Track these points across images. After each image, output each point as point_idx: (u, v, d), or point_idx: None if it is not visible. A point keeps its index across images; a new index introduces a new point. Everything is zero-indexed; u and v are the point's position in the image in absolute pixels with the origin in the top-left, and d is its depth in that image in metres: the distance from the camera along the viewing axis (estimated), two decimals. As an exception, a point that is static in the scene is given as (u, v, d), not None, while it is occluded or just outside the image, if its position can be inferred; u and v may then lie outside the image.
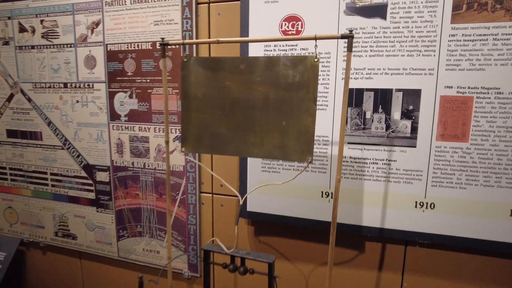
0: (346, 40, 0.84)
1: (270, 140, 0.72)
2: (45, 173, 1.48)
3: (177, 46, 1.18)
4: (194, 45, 1.15)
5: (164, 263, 1.32)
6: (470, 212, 0.97)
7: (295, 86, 0.68)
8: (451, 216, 0.98)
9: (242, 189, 1.12)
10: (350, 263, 1.12)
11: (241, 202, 0.75)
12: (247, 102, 0.72)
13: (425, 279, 1.07)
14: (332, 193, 1.05)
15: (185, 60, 0.76)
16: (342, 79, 1.00)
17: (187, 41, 0.81)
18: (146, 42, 1.22)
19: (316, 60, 0.67)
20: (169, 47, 1.19)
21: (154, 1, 1.19)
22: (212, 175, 1.21)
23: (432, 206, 0.99)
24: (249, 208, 1.14)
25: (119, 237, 1.38)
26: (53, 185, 1.48)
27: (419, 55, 0.94)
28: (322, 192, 1.06)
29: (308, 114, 0.68)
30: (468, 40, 0.90)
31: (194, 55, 1.14)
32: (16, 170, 1.53)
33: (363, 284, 1.12)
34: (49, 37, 1.37)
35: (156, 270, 1.37)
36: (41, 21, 1.36)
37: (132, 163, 1.30)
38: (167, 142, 0.83)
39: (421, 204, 1.00)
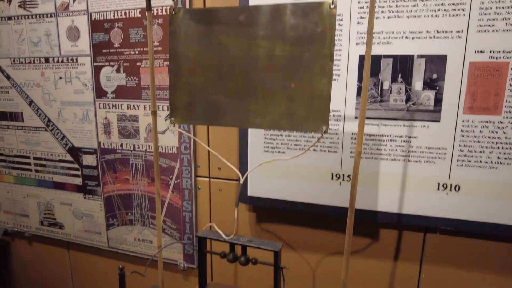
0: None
1: (276, 107, 0.60)
2: (28, 157, 1.36)
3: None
4: None
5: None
6: (500, 195, 0.85)
7: (307, 39, 0.56)
8: (478, 200, 0.87)
9: (243, 171, 1.01)
10: (363, 252, 1.01)
11: (241, 181, 0.63)
12: (248, 61, 0.59)
13: (445, 269, 0.96)
14: (343, 175, 0.94)
15: (173, 13, 0.63)
16: (357, 44, 0.88)
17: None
18: (134, 9, 1.09)
19: (332, 6, 0.55)
20: (159, 13, 1.06)
21: (142, -39, 1.05)
22: (209, 156, 1.09)
23: (456, 188, 0.88)
24: (250, 192, 1.02)
25: (109, 226, 1.27)
26: (36, 170, 1.36)
27: (446, 15, 0.82)
28: (332, 174, 0.95)
29: (322, 74, 0.56)
30: (504, -5, 0.77)
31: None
32: (-3, 154, 1.42)
33: (377, 275, 1.01)
34: (27, 6, 1.23)
35: (152, 262, 1.26)
36: (18, -12, 1.23)
37: (121, 145, 1.18)
38: (154, 113, 0.71)
39: (445, 186, 0.89)
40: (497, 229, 0.86)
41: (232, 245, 0.73)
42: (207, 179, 1.12)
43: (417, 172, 0.90)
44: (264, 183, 1.00)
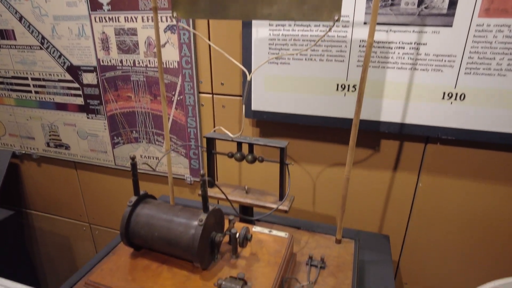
0: None
1: (285, -4, 0.56)
2: (26, 78, 1.33)
3: None
4: None
5: (164, 170, 1.26)
6: (505, 104, 0.85)
7: None
8: (482, 109, 0.87)
9: (246, 80, 0.99)
10: (364, 163, 1.05)
11: (248, 78, 0.62)
12: None
13: (442, 179, 1.00)
14: (349, 85, 0.93)
15: None
16: None
17: None
18: None
19: None
20: None
21: None
22: (211, 71, 1.07)
23: (462, 97, 0.88)
24: (254, 107, 1.02)
25: (114, 145, 1.29)
26: (36, 92, 1.34)
27: None
28: (337, 84, 0.94)
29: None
30: None
31: None
32: (-7, 75, 1.38)
33: (375, 184, 1.06)
34: None
35: (156, 177, 1.31)
36: None
37: (121, 61, 1.15)
38: (154, 9, 0.67)
39: (450, 95, 0.88)
40: (499, 138, 0.88)
41: (239, 145, 0.75)
42: (210, 95, 1.11)
43: (423, 81, 0.89)
44: (268, 97, 1.00)
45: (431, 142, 0.98)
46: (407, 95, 0.91)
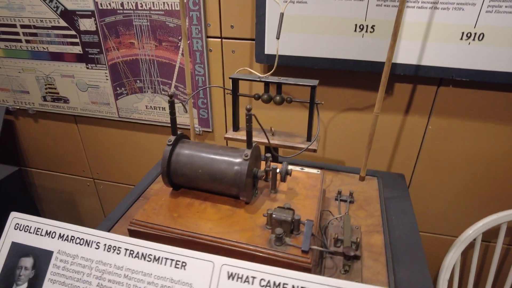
0: None
1: None
2: (14, 25, 1.24)
3: None
4: None
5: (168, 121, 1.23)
6: (522, 42, 0.85)
7: None
8: (500, 49, 0.87)
9: (260, 28, 0.96)
10: (376, 107, 1.05)
11: (282, 10, 0.59)
12: None
13: (451, 120, 1.02)
14: (367, 25, 0.91)
15: None
16: None
17: None
18: None
19: None
20: None
21: None
22: (220, 12, 1.02)
23: (480, 37, 0.87)
24: (268, 50, 0.99)
25: (117, 96, 1.25)
26: (27, 41, 1.26)
27: None
28: (355, 25, 0.91)
29: None
30: None
31: None
32: (-22, 23, 1.28)
33: (387, 126, 1.07)
34: None
35: (163, 128, 1.29)
36: None
37: (122, 4, 1.07)
38: None
39: (468, 35, 0.87)
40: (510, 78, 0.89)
41: (266, 84, 0.73)
42: (219, 39, 1.07)
43: (443, 20, 0.87)
44: (282, 39, 0.96)
45: (444, 84, 0.98)
46: (425, 36, 0.90)
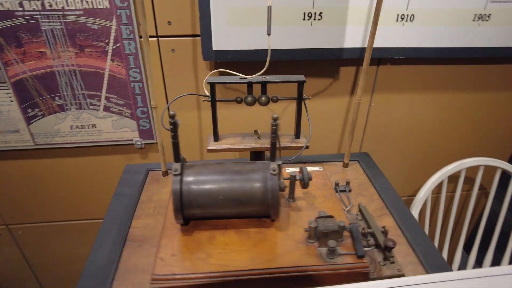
0: None
1: None
2: None
3: None
4: None
5: (105, 137, 1.06)
6: (443, 21, 0.97)
7: None
8: (426, 28, 0.97)
9: (204, 22, 0.87)
10: (325, 92, 1.08)
11: (269, 2, 0.53)
12: None
13: (390, 95, 1.11)
14: (315, 13, 0.90)
15: None
16: None
17: None
18: None
19: None
20: None
21: None
22: (153, 8, 0.89)
23: (411, 19, 0.95)
24: (216, 46, 0.91)
25: (29, 119, 1.01)
26: None
27: None
28: (304, 13, 0.90)
29: None
30: None
31: None
32: None
33: (334, 110, 1.11)
34: None
35: (96, 148, 1.10)
36: None
37: (21, 4, 0.85)
38: None
39: (402, 17, 0.95)
40: (439, 52, 1.01)
41: (249, 85, 0.66)
42: (155, 38, 0.94)
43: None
44: (231, 32, 0.90)
45: (382, 63, 1.06)
46: (367, 20, 0.94)
